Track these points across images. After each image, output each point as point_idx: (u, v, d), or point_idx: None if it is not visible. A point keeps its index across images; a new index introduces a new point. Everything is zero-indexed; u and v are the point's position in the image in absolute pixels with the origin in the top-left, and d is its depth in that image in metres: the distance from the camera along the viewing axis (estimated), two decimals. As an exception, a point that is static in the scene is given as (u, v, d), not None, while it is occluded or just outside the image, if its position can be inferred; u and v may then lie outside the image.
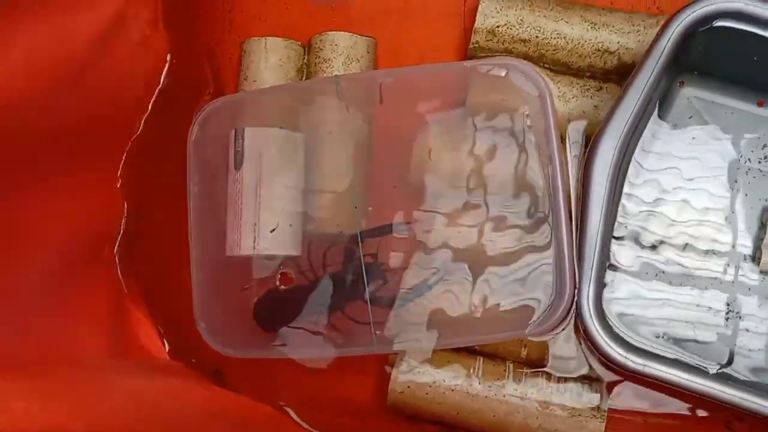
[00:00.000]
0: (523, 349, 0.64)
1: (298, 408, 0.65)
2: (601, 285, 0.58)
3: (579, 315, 0.57)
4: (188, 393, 0.54)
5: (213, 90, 0.72)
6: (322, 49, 0.70)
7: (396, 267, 0.62)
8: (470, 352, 0.65)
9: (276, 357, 0.62)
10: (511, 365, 0.64)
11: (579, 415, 0.62)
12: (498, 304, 0.60)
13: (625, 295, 0.60)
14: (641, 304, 0.60)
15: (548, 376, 0.63)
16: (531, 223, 0.60)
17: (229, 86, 0.73)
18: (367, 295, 0.61)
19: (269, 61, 0.70)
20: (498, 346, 0.65)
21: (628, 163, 0.59)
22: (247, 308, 0.65)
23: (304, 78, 0.72)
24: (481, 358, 0.65)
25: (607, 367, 0.61)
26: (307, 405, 0.66)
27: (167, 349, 0.62)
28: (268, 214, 0.62)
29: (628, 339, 0.57)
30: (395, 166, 0.66)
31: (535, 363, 0.64)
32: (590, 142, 0.59)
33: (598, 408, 0.62)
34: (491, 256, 0.61)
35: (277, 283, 0.65)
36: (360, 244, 0.62)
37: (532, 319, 0.58)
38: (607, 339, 0.56)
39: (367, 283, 0.62)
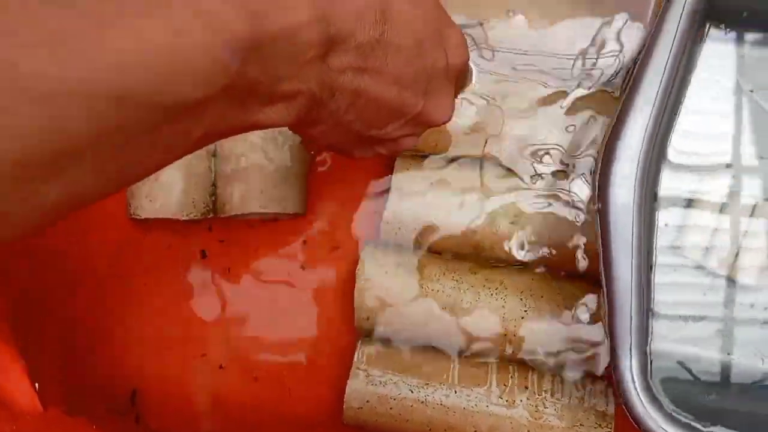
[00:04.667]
0: (507, 345, 0.52)
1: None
2: (645, 352, 0.43)
3: (621, 390, 0.44)
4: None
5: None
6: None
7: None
8: (443, 352, 0.53)
9: None
10: (495, 365, 0.52)
11: (580, 425, 0.50)
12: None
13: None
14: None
15: (540, 376, 0.51)
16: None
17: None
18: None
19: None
20: (475, 343, 0.52)
21: (660, 159, 0.45)
22: None
23: None
24: (457, 359, 0.52)
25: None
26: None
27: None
28: None
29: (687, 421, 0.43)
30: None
31: (523, 359, 0.52)
32: (600, 156, 0.44)
33: (603, 415, 0.50)
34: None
35: None
36: None
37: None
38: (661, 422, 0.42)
39: None
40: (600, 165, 0.43)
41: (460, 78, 0.41)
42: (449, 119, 0.40)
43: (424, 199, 0.53)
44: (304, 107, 0.33)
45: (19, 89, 0.22)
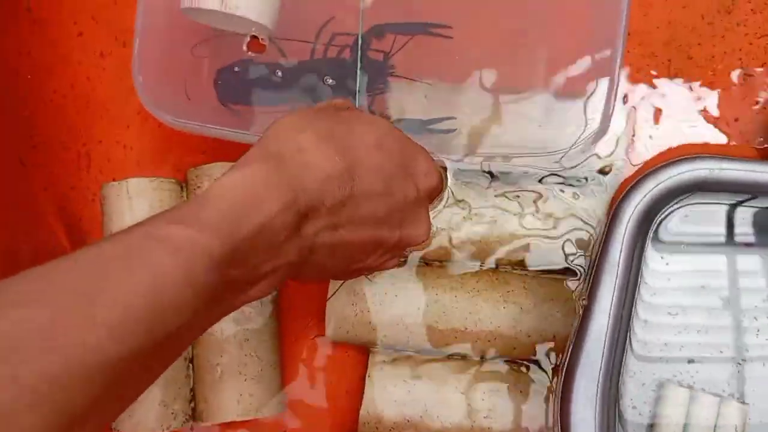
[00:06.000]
0: None
1: None
2: None
3: None
4: None
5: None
6: (199, 186, 0.56)
7: (410, 78, 0.50)
8: None
9: (216, 136, 0.50)
10: None
11: None
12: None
13: None
14: None
15: None
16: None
17: (95, 236, 0.58)
18: (357, 101, 0.49)
19: (135, 211, 0.55)
20: None
21: (619, 373, 0.46)
22: (197, 74, 0.53)
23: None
24: None
25: None
26: None
27: None
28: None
29: None
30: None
31: None
32: (559, 383, 0.46)
33: None
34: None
35: (245, 48, 0.53)
36: (362, 30, 0.48)
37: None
38: None
39: (359, 89, 0.49)
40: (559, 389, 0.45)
41: (433, 195, 0.42)
42: (427, 237, 0.42)
43: (399, 396, 0.54)
44: (287, 275, 0.35)
45: (21, 399, 0.23)
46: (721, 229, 0.47)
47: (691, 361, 0.49)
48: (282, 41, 0.53)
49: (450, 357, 0.55)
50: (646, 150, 0.53)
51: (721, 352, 0.49)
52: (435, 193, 0.42)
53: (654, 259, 0.47)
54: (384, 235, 0.39)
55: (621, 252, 0.42)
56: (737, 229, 0.46)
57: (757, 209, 0.46)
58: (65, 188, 0.58)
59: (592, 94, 0.50)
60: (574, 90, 0.51)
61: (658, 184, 0.42)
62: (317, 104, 0.41)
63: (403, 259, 0.53)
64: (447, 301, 0.54)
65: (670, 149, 0.52)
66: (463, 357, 0.54)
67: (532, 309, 0.53)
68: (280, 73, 0.53)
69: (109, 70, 0.59)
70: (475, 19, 0.52)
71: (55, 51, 0.59)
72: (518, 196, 0.53)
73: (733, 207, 0.46)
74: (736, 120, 0.56)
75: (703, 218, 0.47)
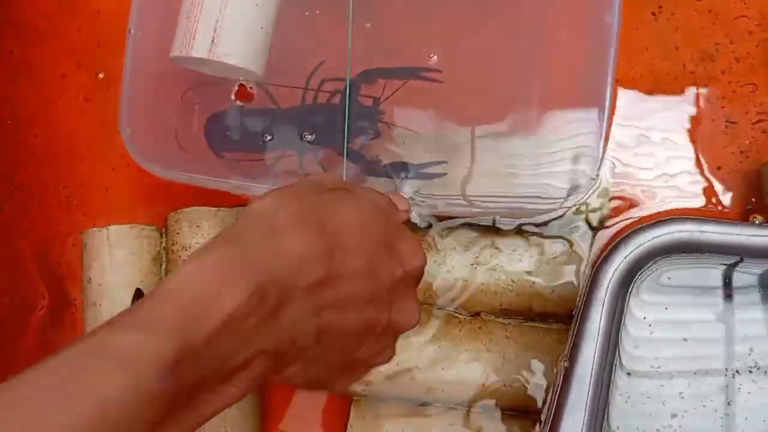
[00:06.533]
0: None
1: None
2: None
3: None
4: None
5: (48, 302, 0.56)
6: (178, 233, 0.55)
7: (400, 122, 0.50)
8: None
9: (206, 186, 0.50)
10: None
11: None
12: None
13: None
14: None
15: None
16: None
17: (74, 282, 0.57)
18: (345, 147, 0.49)
19: (115, 257, 0.55)
20: None
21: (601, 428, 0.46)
22: (187, 122, 0.52)
23: (163, 266, 0.56)
24: None
25: None
26: None
27: None
28: (237, 10, 0.49)
29: None
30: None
31: None
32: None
33: None
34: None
35: (233, 97, 0.52)
36: (350, 76, 0.48)
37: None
38: None
39: (349, 130, 0.49)
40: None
41: (419, 277, 0.40)
42: (418, 321, 0.40)
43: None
44: (266, 367, 0.32)
45: None
46: (701, 283, 0.47)
47: (674, 415, 0.49)
48: (272, 87, 0.53)
49: (434, 407, 0.54)
50: (628, 201, 0.53)
51: (704, 405, 0.49)
52: (421, 274, 0.40)
53: (635, 313, 0.47)
54: (372, 317, 0.37)
55: (601, 316, 0.41)
56: (713, 283, 0.46)
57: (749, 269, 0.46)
58: (45, 234, 0.57)
59: (580, 143, 0.51)
60: (563, 139, 0.51)
61: (638, 246, 0.41)
62: (302, 181, 0.39)
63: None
64: (430, 350, 0.53)
65: (654, 212, 0.52)
66: (448, 407, 0.54)
67: (514, 359, 0.52)
68: (269, 120, 0.53)
69: (92, 113, 0.59)
70: (464, 63, 0.52)
71: (37, 94, 0.58)
72: (499, 248, 0.53)
73: (718, 265, 0.46)
74: (719, 168, 0.56)
75: (684, 274, 0.47)
